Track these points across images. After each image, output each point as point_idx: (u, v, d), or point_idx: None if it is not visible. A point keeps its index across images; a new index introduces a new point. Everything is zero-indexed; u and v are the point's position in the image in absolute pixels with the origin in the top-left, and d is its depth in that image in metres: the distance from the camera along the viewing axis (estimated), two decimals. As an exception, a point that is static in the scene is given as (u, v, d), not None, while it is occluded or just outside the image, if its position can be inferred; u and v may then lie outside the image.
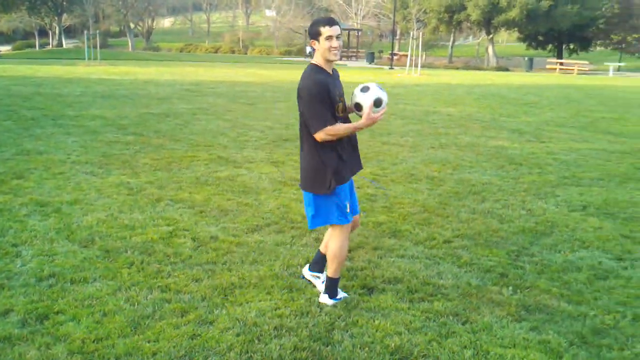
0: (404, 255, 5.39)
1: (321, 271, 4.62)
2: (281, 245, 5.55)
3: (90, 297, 4.35)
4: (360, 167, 4.40)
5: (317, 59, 4.09)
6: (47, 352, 3.59)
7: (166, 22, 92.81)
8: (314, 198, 4.16)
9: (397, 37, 63.65)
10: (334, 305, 4.31)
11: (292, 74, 31.47)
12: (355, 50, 60.57)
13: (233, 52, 66.41)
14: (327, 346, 3.76)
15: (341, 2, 69.52)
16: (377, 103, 3.97)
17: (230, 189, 7.53)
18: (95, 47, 41.82)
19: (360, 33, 63.98)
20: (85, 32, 45.23)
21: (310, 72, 4.06)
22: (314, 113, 3.96)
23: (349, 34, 61.14)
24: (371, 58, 53.26)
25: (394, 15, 50.97)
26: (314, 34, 4.02)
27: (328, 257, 4.34)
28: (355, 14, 67.31)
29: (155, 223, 6.10)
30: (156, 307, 4.21)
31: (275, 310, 4.23)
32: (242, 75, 30.00)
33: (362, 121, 3.94)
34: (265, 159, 9.40)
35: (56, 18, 69.75)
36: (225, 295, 4.44)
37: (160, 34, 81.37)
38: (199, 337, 3.80)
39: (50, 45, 70.48)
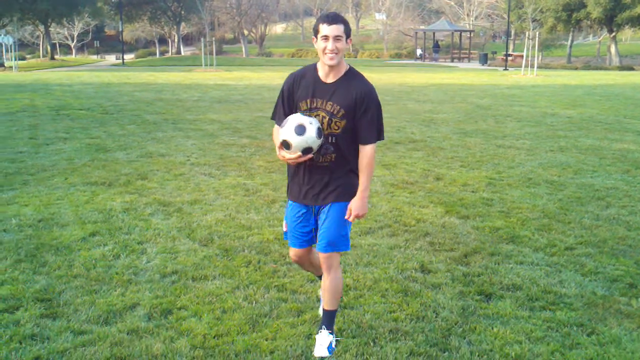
0: (523, 262, 5.20)
1: None
2: (395, 249, 5.51)
3: (211, 294, 4.50)
4: (315, 202, 3.66)
5: (319, 63, 3.58)
6: (171, 345, 3.74)
7: (278, 28, 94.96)
8: None
9: (512, 37, 61.84)
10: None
11: (401, 77, 31.30)
12: (467, 51, 59.39)
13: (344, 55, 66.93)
14: (444, 352, 3.69)
15: (452, 3, 68.41)
16: (285, 145, 3.46)
17: (343, 191, 7.55)
18: (211, 53, 43.40)
19: (472, 34, 62.65)
20: (202, 39, 47.04)
21: (304, 66, 3.68)
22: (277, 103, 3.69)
23: (460, 35, 60.04)
24: (484, 59, 52.02)
25: (509, 15, 49.51)
26: (314, 31, 3.50)
27: None
28: (467, 14, 65.98)
29: (270, 224, 6.23)
30: (273, 306, 4.29)
31: (391, 313, 4.19)
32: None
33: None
34: (377, 161, 9.36)
35: (175, 27, 73.05)
36: (340, 297, 4.45)
37: (272, 40, 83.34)
38: (314, 338, 3.83)
39: (170, 53, 73.94)
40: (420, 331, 3.94)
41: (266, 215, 6.54)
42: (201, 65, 43.80)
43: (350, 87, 3.51)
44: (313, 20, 70.14)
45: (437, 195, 7.41)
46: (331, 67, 3.47)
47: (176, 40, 74.18)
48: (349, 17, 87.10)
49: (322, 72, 3.53)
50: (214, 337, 3.84)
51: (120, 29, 62.41)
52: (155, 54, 73.33)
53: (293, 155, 3.45)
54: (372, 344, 3.77)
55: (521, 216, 6.54)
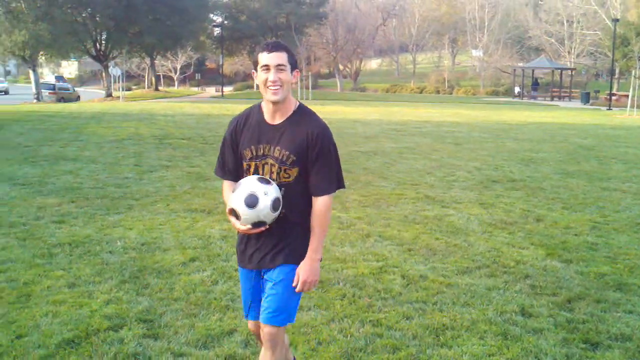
0: (633, 311, 4.91)
1: None
2: (493, 290, 5.35)
3: (306, 325, 4.52)
4: (261, 266, 3.12)
5: (263, 102, 3.14)
6: (267, 373, 3.77)
7: (373, 64, 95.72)
8: None
9: (616, 76, 59.59)
10: None
11: (499, 115, 30.71)
12: (567, 90, 57.67)
13: (438, 92, 66.53)
14: (548, 401, 3.53)
15: (553, 40, 66.82)
16: (233, 214, 3.01)
17: (439, 228, 7.46)
18: (307, 87, 44.22)
19: (573, 72, 60.83)
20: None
21: (247, 108, 3.24)
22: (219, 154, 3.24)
23: (561, 73, 58.44)
24: (586, 98, 50.29)
25: (613, 53, 47.78)
26: (254, 63, 3.03)
27: None
28: (569, 52, 64.22)
29: (365, 258, 6.21)
30: (368, 341, 4.25)
31: (489, 356, 4.06)
32: (448, 115, 29.88)
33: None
34: (474, 200, 9.19)
35: (273, 61, 75.09)
36: (437, 336, 4.36)
37: (367, 75, 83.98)
38: (410, 376, 3.76)
39: (267, 86, 75.84)
40: (522, 377, 3.79)
41: (361, 249, 6.53)
42: (297, 98, 44.65)
43: (300, 127, 3.03)
44: (408, 56, 69.84)
45: (538, 237, 7.17)
46: (275, 104, 3.01)
47: (273, 74, 76.09)
48: (445, 53, 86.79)
49: (267, 113, 3.07)
50: (309, 369, 3.84)
51: (221, 62, 64.75)
52: (252, 87, 75.50)
53: (242, 227, 2.98)
54: (470, 387, 3.66)
55: (629, 263, 6.21)
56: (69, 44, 48.80)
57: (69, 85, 56.65)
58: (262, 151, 3.05)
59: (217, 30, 66.39)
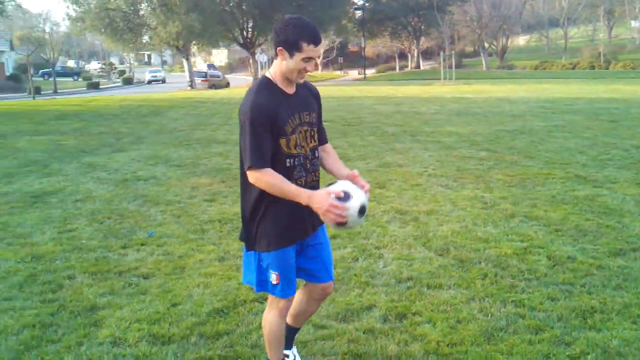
0: None
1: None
2: (649, 273, 5.00)
3: (445, 303, 4.48)
4: (314, 229, 3.28)
5: (275, 73, 3.06)
6: (405, 348, 3.80)
7: (521, 40, 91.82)
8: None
9: None
10: None
11: (661, 89, 28.38)
12: None
13: (593, 67, 62.59)
14: None
15: None
16: (345, 197, 2.90)
17: (590, 209, 7.06)
18: (450, 67, 43.40)
19: None
20: (441, 53, 47.30)
21: (256, 90, 3.04)
22: (247, 144, 2.95)
23: None
24: None
25: None
26: (290, 45, 2.92)
27: None
28: None
29: (509, 238, 6.03)
30: (509, 321, 4.14)
31: (644, 342, 3.82)
32: (603, 91, 28.05)
33: (315, 199, 2.90)
34: (631, 179, 8.59)
35: (415, 41, 74.30)
36: (584, 319, 4.16)
37: (514, 52, 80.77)
38: (553, 357, 3.63)
39: (409, 67, 75.33)
40: (680, 365, 3.53)
41: (504, 229, 6.34)
42: (440, 79, 43.95)
43: (306, 89, 3.22)
44: (559, 31, 66.24)
45: (703, 218, 6.59)
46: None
47: (416, 54, 75.39)
48: (600, 26, 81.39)
49: (284, 86, 3.07)
50: (448, 345, 3.82)
51: (363, 45, 65.09)
52: (395, 69, 75.28)
53: (345, 213, 2.89)
54: (620, 372, 3.47)
55: None
56: (218, 32, 51.26)
57: (219, 73, 59.57)
58: (298, 120, 3.08)
59: (358, 13, 66.65)
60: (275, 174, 2.96)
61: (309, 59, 2.96)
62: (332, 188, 2.96)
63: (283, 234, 3.10)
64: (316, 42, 2.94)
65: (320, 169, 3.30)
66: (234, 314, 4.38)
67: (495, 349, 3.77)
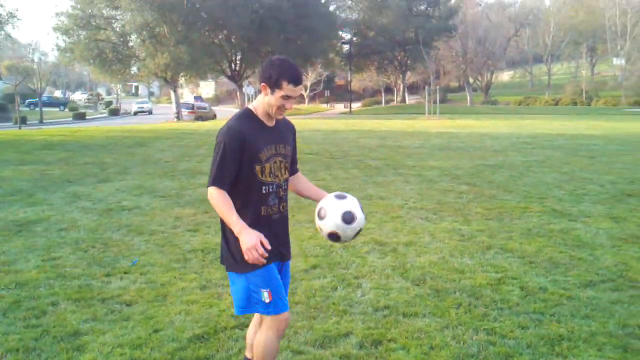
0: None
1: None
2: (617, 304, 5.18)
3: (420, 330, 4.63)
4: (289, 256, 3.58)
5: (257, 106, 3.34)
6: (379, 374, 3.94)
7: (505, 76, 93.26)
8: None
9: None
10: None
11: (640, 126, 28.97)
12: None
13: (575, 104, 63.67)
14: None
15: None
16: (334, 235, 3.38)
17: (564, 241, 7.27)
18: (435, 102, 43.95)
19: None
20: (426, 87, 47.89)
21: (236, 117, 3.34)
22: (214, 163, 3.23)
23: None
24: None
25: None
26: (272, 83, 3.20)
27: None
28: None
29: (484, 269, 6.21)
30: (481, 348, 4.29)
31: (607, 369, 3.98)
32: (584, 127, 28.60)
33: (244, 233, 3.15)
34: (604, 213, 8.83)
35: (401, 76, 75.28)
36: (552, 346, 4.32)
37: (498, 88, 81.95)
38: (522, 383, 3.78)
39: (395, 102, 76.20)
40: (640, 391, 3.69)
41: (480, 260, 6.52)
42: (424, 113, 44.50)
43: (284, 125, 3.48)
44: (543, 67, 67.33)
45: (672, 252, 6.81)
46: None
47: (401, 88, 76.31)
48: (583, 63, 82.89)
49: (263, 118, 3.33)
50: (420, 372, 3.96)
51: (349, 79, 65.80)
52: (380, 103, 76.05)
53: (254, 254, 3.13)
54: (583, 397, 3.63)
55: None
56: (207, 65, 51.72)
57: (206, 105, 59.85)
58: (274, 150, 3.33)
59: (345, 47, 67.58)
60: (227, 198, 3.21)
61: (287, 97, 3.22)
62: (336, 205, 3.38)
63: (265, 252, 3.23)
64: (296, 82, 3.21)
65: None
66: (215, 339, 4.50)
67: (465, 375, 3.92)
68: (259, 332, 3.43)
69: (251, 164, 3.22)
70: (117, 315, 5.00)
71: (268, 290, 3.26)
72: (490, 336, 4.51)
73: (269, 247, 3.15)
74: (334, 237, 3.34)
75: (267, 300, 3.26)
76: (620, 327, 4.65)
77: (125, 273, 6.15)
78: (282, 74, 3.18)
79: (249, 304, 3.33)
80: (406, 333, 4.58)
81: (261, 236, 3.14)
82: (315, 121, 36.99)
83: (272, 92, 3.21)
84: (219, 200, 3.18)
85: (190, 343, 4.43)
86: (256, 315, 3.60)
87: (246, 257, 3.14)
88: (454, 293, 5.48)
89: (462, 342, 4.41)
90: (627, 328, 4.65)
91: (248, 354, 3.66)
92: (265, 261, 3.15)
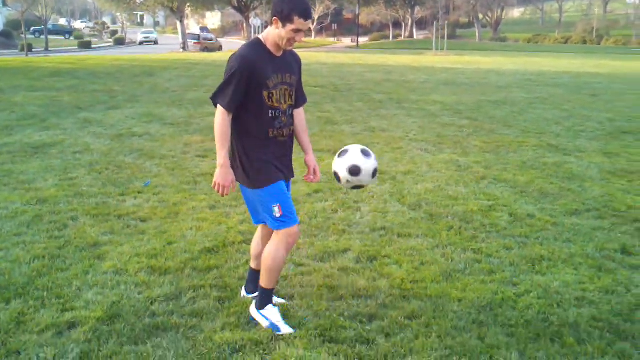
0: None
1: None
2: (598, 230, 5.56)
3: (412, 249, 5.02)
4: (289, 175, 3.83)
5: (267, 37, 3.54)
6: (373, 283, 4.34)
7: (516, 12, 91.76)
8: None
9: None
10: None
11: (647, 66, 28.89)
12: None
13: (585, 42, 62.94)
14: (627, 323, 3.81)
15: None
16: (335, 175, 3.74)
17: (555, 174, 7.61)
18: (443, 37, 43.54)
19: None
20: (435, 23, 47.32)
21: (247, 46, 3.57)
22: (222, 85, 3.47)
23: None
24: None
25: None
26: (284, 17, 3.38)
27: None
28: None
29: (476, 197, 6.57)
30: (467, 265, 4.69)
31: (580, 284, 4.37)
32: (590, 66, 28.54)
33: (220, 169, 3.46)
34: (598, 149, 9.15)
35: (409, 10, 74.17)
36: (533, 265, 4.71)
37: (509, 25, 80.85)
38: (501, 294, 4.17)
39: (402, 37, 75.31)
40: (607, 302, 4.08)
41: (473, 189, 6.88)
42: (432, 49, 44.16)
43: (291, 56, 3.68)
44: (555, 5, 65.95)
45: (658, 185, 7.15)
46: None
47: (410, 23, 75.30)
48: (596, 0, 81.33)
49: (274, 49, 3.53)
50: (411, 282, 4.36)
51: (357, 12, 64.87)
52: (388, 37, 75.19)
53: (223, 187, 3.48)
54: (555, 306, 4.02)
55: None
56: (214, -5, 51.03)
57: (212, 36, 59.37)
58: (280, 78, 3.55)
59: (354, -20, 66.36)
60: (227, 130, 3.49)
61: (298, 31, 3.42)
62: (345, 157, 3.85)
63: (272, 170, 3.57)
64: (307, 17, 3.41)
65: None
66: (224, 252, 4.91)
67: (452, 286, 4.32)
68: (269, 244, 3.65)
69: (259, 90, 3.46)
70: (133, 230, 5.40)
71: (278, 204, 3.52)
72: (476, 255, 4.91)
73: (228, 193, 3.49)
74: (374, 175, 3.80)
75: (278, 215, 3.52)
76: (597, 251, 5.03)
77: (139, 193, 6.54)
78: (293, 9, 3.36)
79: (261, 217, 3.69)
80: (399, 250, 4.97)
81: (233, 182, 3.49)
82: (321, 54, 36.87)
83: (284, 25, 3.39)
84: (219, 129, 3.46)
85: (201, 255, 4.83)
86: (259, 229, 3.97)
87: (213, 186, 3.50)
88: (447, 217, 5.86)
89: (450, 260, 4.80)
90: (604, 251, 5.03)
91: (252, 264, 4.04)
92: (224, 195, 3.50)
